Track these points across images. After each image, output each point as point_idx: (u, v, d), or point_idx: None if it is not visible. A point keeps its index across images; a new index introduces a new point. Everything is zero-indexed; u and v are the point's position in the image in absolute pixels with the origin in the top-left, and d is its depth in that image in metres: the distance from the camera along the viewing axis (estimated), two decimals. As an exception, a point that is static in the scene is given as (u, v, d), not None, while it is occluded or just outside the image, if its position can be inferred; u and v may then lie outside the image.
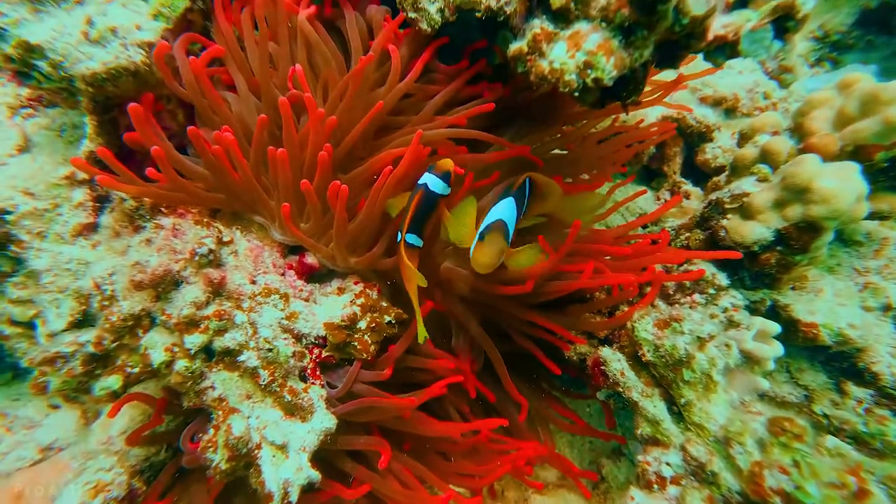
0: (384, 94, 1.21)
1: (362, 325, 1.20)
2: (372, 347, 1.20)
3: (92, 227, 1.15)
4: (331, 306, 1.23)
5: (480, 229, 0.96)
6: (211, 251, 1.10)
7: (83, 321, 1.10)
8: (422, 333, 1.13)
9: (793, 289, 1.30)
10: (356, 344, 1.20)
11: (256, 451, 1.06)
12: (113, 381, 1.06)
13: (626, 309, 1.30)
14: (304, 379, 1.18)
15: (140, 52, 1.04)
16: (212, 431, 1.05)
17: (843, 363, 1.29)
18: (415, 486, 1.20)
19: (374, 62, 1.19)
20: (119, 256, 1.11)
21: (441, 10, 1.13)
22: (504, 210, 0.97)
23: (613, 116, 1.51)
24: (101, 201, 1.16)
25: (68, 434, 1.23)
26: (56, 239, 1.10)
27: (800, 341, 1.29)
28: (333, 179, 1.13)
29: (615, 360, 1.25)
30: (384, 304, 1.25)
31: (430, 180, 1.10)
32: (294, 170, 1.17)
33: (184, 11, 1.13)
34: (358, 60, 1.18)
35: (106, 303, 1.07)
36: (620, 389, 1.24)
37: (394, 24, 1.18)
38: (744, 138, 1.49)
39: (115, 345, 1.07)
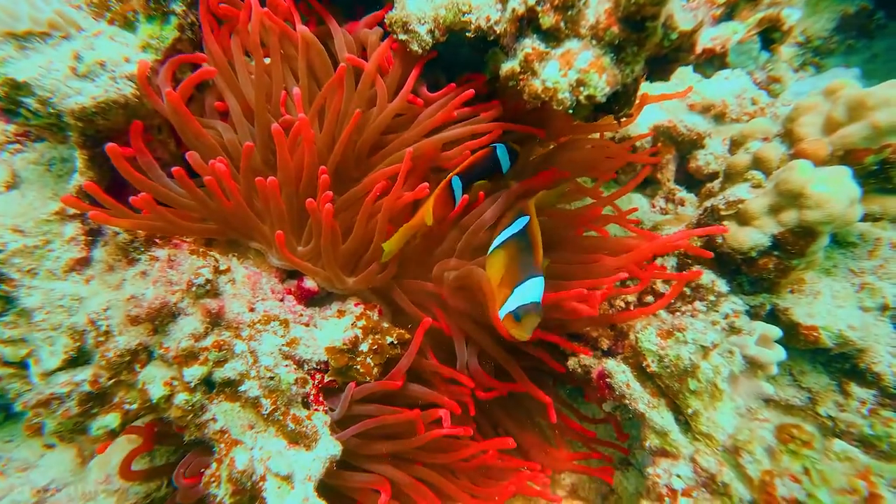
0: (375, 115, 1.21)
1: (364, 347, 1.18)
2: (375, 370, 1.19)
3: (85, 262, 1.13)
4: (332, 330, 1.21)
5: (514, 307, 0.99)
6: (208, 281, 1.08)
7: (78, 358, 1.07)
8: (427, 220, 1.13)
9: (791, 292, 1.31)
10: (359, 367, 1.18)
11: (261, 484, 1.03)
12: (111, 420, 1.03)
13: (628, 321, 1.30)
14: (307, 406, 1.16)
15: (130, 85, 1.03)
16: (214, 465, 1.02)
17: (845, 364, 1.30)
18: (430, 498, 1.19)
19: (367, 83, 1.19)
20: (114, 291, 1.09)
21: (431, 32, 1.13)
22: (536, 289, 1.00)
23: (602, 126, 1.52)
24: (93, 235, 1.14)
25: (65, 474, 1.19)
26: (48, 275, 1.08)
27: (801, 344, 1.29)
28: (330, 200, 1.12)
29: (620, 372, 1.25)
30: (385, 325, 1.24)
31: (501, 149, 1.16)
32: (289, 194, 1.16)
33: (173, 42, 1.13)
34: (361, 86, 1.17)
35: (101, 339, 1.05)
36: (627, 401, 1.23)
37: (384, 48, 1.18)
38: (735, 145, 1.51)
39: (111, 382, 1.04)
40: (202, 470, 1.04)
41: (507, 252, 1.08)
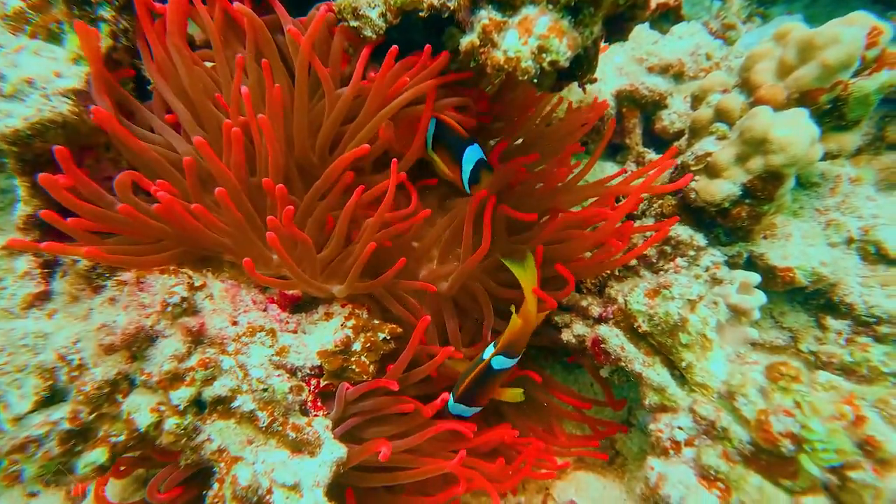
0: (328, 109, 1.16)
1: (357, 346, 1.16)
2: (371, 368, 1.17)
3: (44, 296, 1.05)
4: (321, 333, 1.18)
5: (449, 406, 1.24)
6: (183, 299, 1.03)
7: (52, 397, 1.01)
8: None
9: (765, 238, 1.36)
10: (354, 367, 1.16)
11: (268, 497, 1.00)
12: (97, 455, 0.98)
13: (615, 286, 1.32)
14: (305, 413, 1.13)
15: (66, 101, 0.96)
16: (216, 486, 0.99)
17: (820, 300, 1.36)
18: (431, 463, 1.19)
19: (304, 66, 1.10)
20: (81, 322, 1.03)
21: (383, 15, 1.09)
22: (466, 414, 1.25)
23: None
24: (49, 266, 1.07)
25: (56, 520, 1.13)
26: (4, 315, 1.01)
27: (779, 287, 1.34)
28: (291, 203, 1.07)
29: (613, 336, 1.26)
30: (376, 321, 1.21)
31: (473, 150, 1.12)
32: (241, 201, 1.09)
33: (107, 51, 1.05)
34: (299, 68, 1.12)
35: (75, 373, 0.99)
36: (623, 364, 1.25)
37: (318, 19, 1.07)
38: (696, 100, 1.54)
39: (93, 416, 0.99)
40: (208, 490, 1.00)
41: (472, 376, 1.20)
